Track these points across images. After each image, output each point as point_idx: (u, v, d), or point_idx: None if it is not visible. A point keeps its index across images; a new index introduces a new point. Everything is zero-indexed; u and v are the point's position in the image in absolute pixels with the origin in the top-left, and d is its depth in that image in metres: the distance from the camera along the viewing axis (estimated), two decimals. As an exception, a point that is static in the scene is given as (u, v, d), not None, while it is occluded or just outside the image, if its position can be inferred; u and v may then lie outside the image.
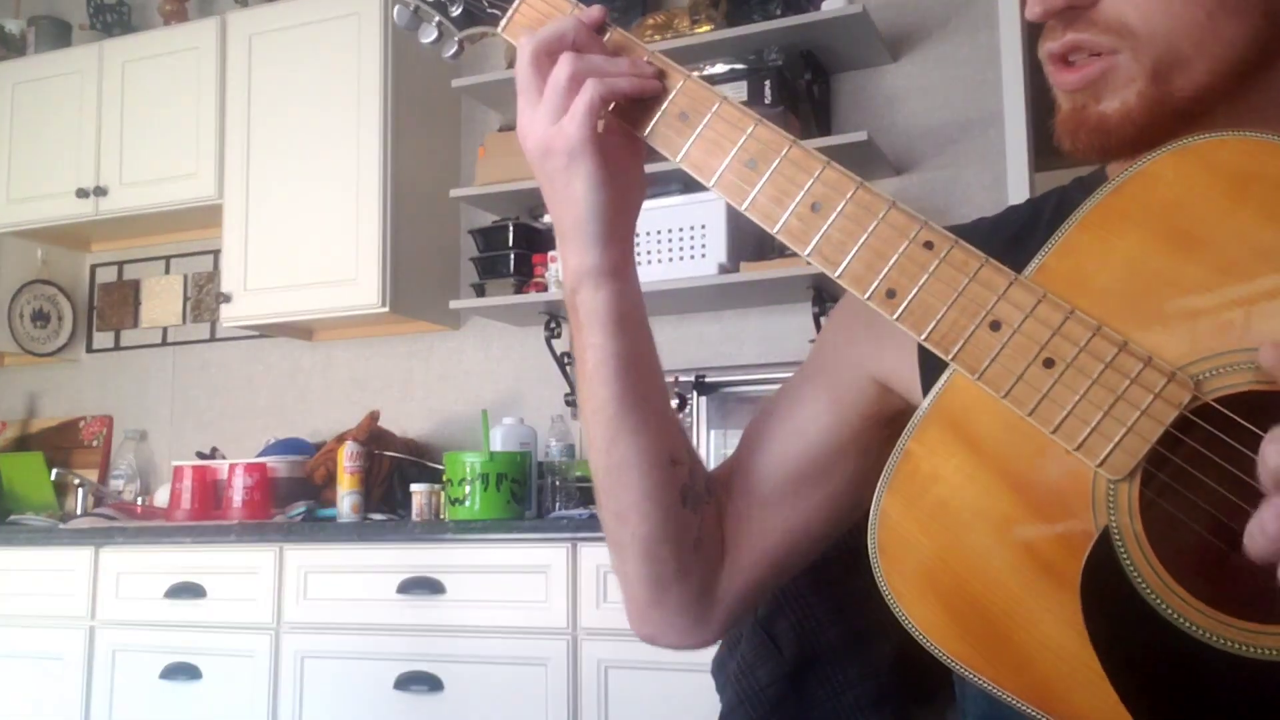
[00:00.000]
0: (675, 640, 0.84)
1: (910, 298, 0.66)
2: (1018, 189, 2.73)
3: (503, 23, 0.82)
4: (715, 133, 0.73)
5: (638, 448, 0.78)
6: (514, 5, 0.81)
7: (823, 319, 2.77)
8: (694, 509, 0.80)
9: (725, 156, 0.72)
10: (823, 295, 2.77)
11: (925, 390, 0.68)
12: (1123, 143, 0.71)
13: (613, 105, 0.75)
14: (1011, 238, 0.81)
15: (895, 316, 0.66)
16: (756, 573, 0.84)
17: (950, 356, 0.64)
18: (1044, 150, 2.96)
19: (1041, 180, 2.86)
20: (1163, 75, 0.69)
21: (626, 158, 0.77)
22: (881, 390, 0.84)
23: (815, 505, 0.83)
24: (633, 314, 0.78)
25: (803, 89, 2.75)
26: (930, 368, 0.79)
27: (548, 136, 0.74)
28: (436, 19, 0.86)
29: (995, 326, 0.63)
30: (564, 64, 0.73)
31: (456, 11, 0.84)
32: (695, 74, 0.76)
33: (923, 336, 0.65)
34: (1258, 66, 0.69)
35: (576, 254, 0.76)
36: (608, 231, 0.75)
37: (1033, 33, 2.79)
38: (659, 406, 0.80)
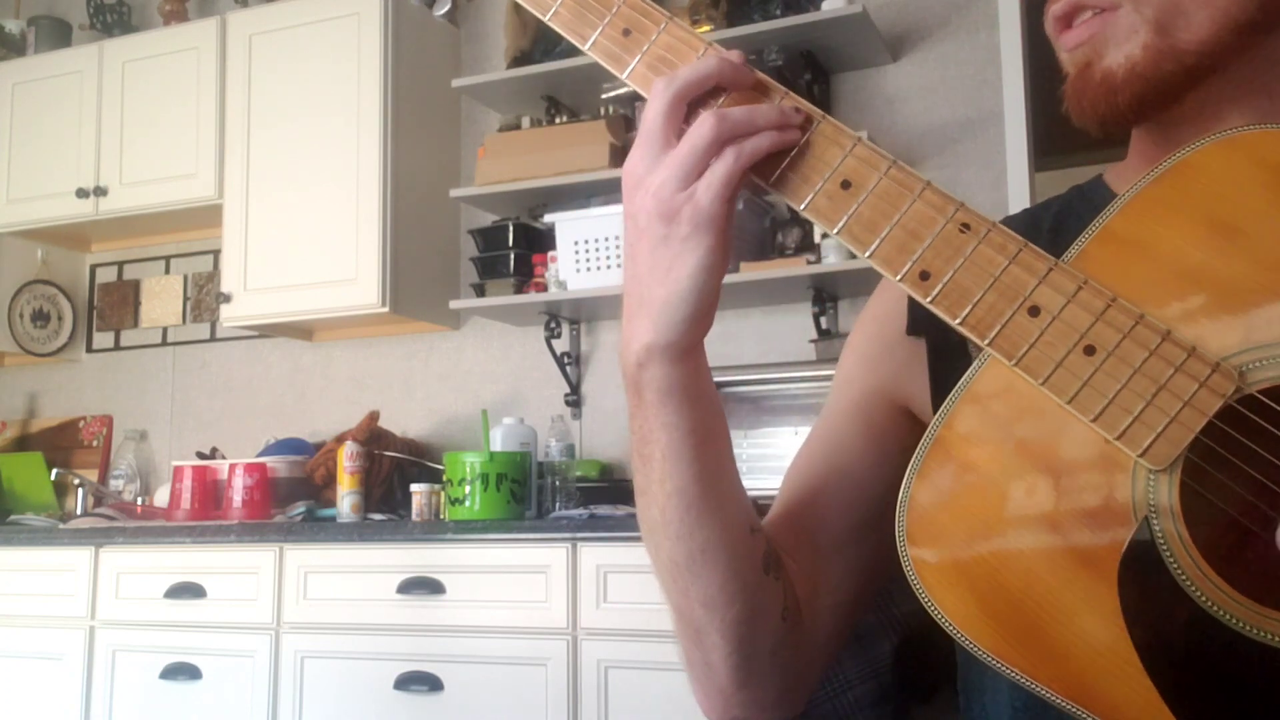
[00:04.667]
0: (768, 717, 0.78)
1: (945, 280, 0.63)
2: (1018, 189, 2.73)
3: None
4: None
5: (721, 526, 0.71)
6: None
7: (823, 319, 2.78)
8: (775, 576, 0.75)
9: None
10: (822, 295, 2.77)
11: (935, 409, 0.66)
12: (1131, 99, 0.70)
13: None
14: None
15: (929, 300, 0.64)
16: (837, 623, 0.81)
17: (987, 342, 0.62)
18: (1044, 150, 2.96)
19: (1041, 180, 2.86)
20: (1165, 26, 0.68)
21: (732, 226, 0.70)
22: (911, 418, 0.82)
23: (877, 543, 0.79)
24: (708, 387, 0.71)
25: (803, 89, 2.75)
26: (941, 380, 0.78)
27: (673, 201, 0.65)
28: None
29: (1034, 312, 0.62)
30: (709, 125, 0.65)
31: None
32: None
33: (958, 320, 0.63)
34: (1262, 28, 0.69)
35: (654, 330, 0.68)
36: (701, 312, 0.68)
37: (1033, 33, 2.79)
38: (735, 477, 0.74)
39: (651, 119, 0.67)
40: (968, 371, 0.64)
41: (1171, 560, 0.59)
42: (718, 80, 0.67)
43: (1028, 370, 0.61)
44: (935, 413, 0.65)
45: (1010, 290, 0.62)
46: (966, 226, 0.64)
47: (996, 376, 0.63)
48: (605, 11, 0.71)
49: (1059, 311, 0.61)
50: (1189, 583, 0.58)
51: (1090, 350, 0.60)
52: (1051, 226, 0.81)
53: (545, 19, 0.73)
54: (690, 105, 0.67)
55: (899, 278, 0.64)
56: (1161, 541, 0.59)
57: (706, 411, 0.71)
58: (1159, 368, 0.59)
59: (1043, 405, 0.62)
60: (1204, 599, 0.58)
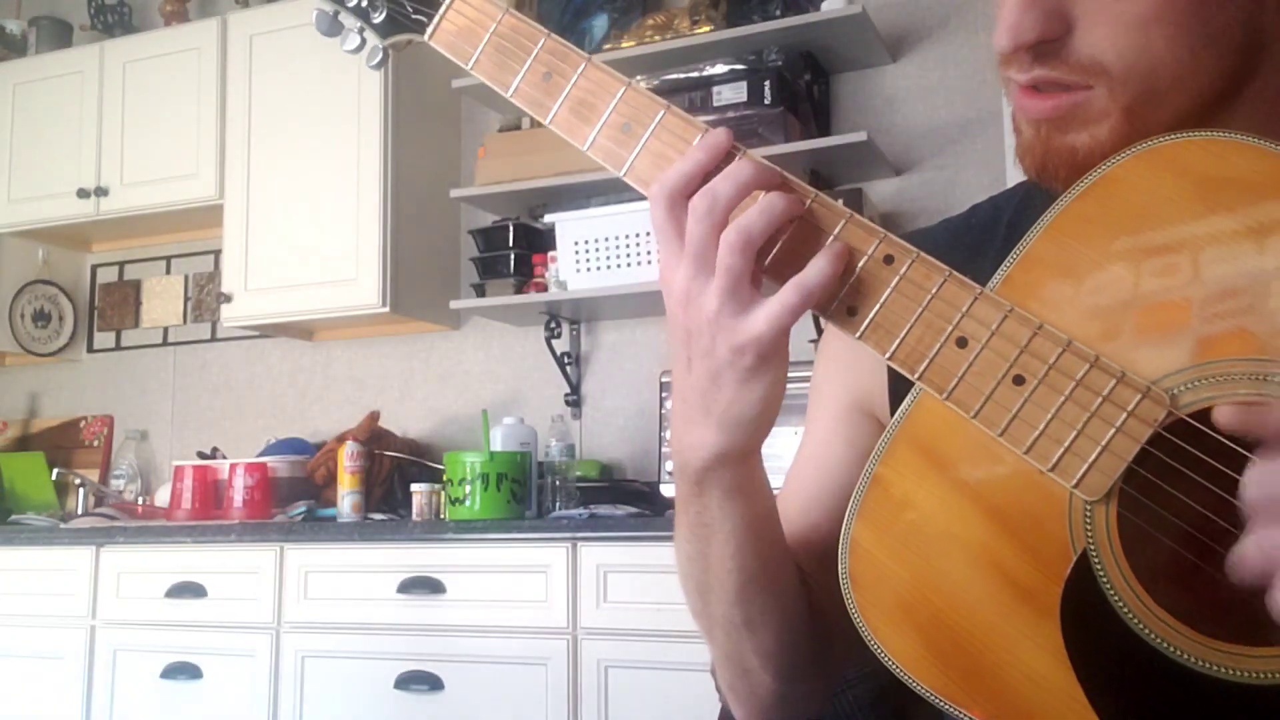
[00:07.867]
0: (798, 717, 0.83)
1: (872, 315, 0.63)
2: (1017, 189, 2.73)
3: (429, 30, 0.76)
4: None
5: (778, 589, 0.75)
6: (441, 10, 0.75)
7: (822, 319, 2.78)
8: (817, 616, 0.79)
9: None
10: (822, 295, 2.77)
11: (894, 413, 0.65)
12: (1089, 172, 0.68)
13: None
14: (974, 244, 0.79)
15: (858, 335, 0.63)
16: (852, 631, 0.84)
17: (917, 376, 0.62)
18: (1044, 150, 2.96)
19: (1041, 180, 2.86)
20: (1138, 113, 0.65)
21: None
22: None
23: None
24: (765, 476, 0.74)
25: (802, 89, 2.76)
26: (898, 391, 0.77)
27: (736, 332, 0.64)
28: (359, 25, 0.80)
29: (962, 343, 0.60)
30: (738, 250, 0.63)
31: (379, 18, 0.79)
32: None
33: (887, 355, 0.62)
34: (1226, 95, 0.66)
35: (721, 441, 0.69)
36: (768, 422, 0.68)
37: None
38: (784, 543, 0.77)
39: (659, 225, 0.67)
40: (901, 406, 0.63)
41: (1112, 592, 0.57)
42: (706, 171, 0.66)
43: (958, 404, 0.60)
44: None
45: (937, 323, 0.61)
46: (890, 259, 0.63)
47: (932, 410, 0.62)
48: (525, 57, 0.71)
49: (985, 343, 0.60)
50: (1130, 615, 0.57)
51: (1019, 380, 0.59)
52: (1011, 219, 0.80)
53: (467, 67, 0.74)
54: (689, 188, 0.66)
55: (827, 315, 0.64)
56: (1101, 574, 0.58)
57: (765, 498, 0.74)
58: (1088, 396, 0.58)
59: (979, 438, 0.60)
60: (1146, 631, 0.57)
